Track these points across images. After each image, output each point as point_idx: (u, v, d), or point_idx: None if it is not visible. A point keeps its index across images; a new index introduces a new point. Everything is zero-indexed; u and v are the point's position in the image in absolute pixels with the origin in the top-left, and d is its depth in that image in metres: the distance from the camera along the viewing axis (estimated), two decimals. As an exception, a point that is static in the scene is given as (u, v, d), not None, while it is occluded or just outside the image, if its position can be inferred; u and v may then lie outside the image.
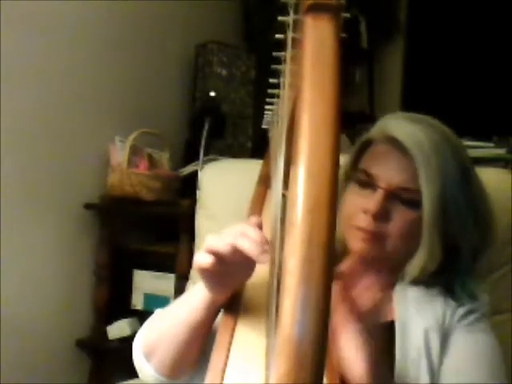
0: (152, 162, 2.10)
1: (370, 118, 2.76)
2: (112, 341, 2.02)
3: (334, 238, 0.33)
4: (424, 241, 0.88)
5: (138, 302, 2.07)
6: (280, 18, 0.52)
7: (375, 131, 0.96)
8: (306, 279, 0.31)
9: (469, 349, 0.89)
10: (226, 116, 2.16)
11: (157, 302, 1.98)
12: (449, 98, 2.74)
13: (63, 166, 1.99)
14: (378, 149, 0.94)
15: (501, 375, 0.89)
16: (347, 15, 0.39)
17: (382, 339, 0.77)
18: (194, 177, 1.91)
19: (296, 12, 0.47)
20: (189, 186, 1.94)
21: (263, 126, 1.12)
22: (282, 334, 0.31)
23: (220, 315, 0.78)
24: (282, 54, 0.59)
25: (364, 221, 0.88)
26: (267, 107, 0.91)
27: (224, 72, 2.33)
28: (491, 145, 1.92)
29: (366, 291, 0.76)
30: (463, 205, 0.89)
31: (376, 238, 0.88)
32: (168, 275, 2.00)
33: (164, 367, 0.85)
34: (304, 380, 0.31)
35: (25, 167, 1.89)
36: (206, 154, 1.96)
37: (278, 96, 0.76)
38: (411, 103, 2.86)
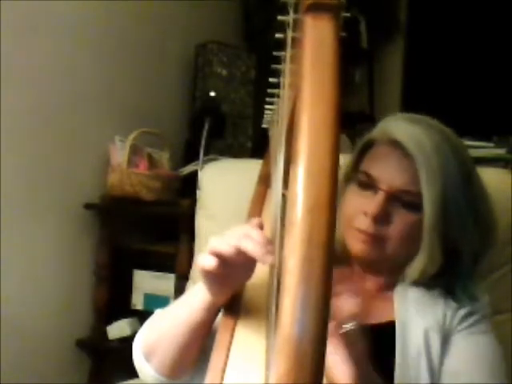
0: (152, 162, 2.09)
1: (370, 118, 2.76)
2: (112, 341, 2.02)
3: (334, 238, 0.33)
4: (424, 244, 0.88)
5: (138, 302, 2.07)
6: (280, 18, 0.52)
7: (376, 132, 0.95)
8: (305, 278, 0.31)
9: (469, 350, 0.89)
10: (226, 116, 2.16)
11: (157, 301, 1.98)
12: (449, 98, 2.74)
13: (63, 166, 1.99)
14: (379, 150, 0.93)
15: (501, 377, 0.89)
16: (347, 15, 0.39)
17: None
18: (194, 177, 1.91)
19: (296, 11, 0.47)
20: (189, 186, 1.94)
21: (263, 126, 1.12)
22: (281, 333, 0.31)
23: (220, 315, 0.78)
24: (282, 53, 0.59)
25: (364, 223, 0.88)
26: (267, 107, 0.91)
27: (224, 72, 2.33)
28: (491, 145, 1.92)
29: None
30: (464, 208, 0.89)
31: (376, 240, 0.88)
32: (168, 275, 2.00)
33: (164, 367, 0.85)
34: (304, 379, 0.31)
35: (25, 167, 1.89)
36: (206, 154, 1.95)
37: (278, 96, 0.76)
38: (411, 103, 2.86)
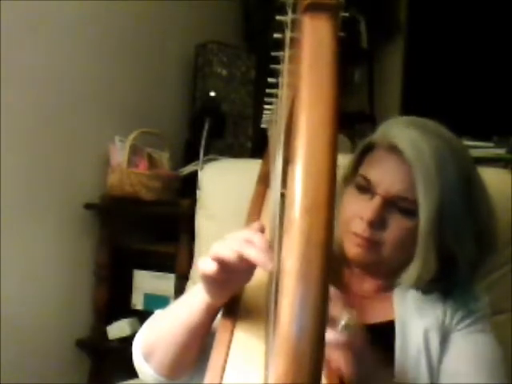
0: (152, 162, 2.10)
1: (370, 118, 2.77)
2: (112, 341, 2.02)
3: (332, 238, 0.33)
4: (419, 250, 0.88)
5: (138, 302, 2.07)
6: (278, 18, 0.52)
7: (377, 136, 0.94)
8: (303, 278, 0.31)
9: (469, 350, 0.89)
10: (226, 116, 2.16)
11: (157, 302, 1.99)
12: (449, 98, 2.73)
13: (63, 165, 1.99)
14: (378, 154, 0.93)
15: (500, 376, 0.89)
16: (345, 14, 0.39)
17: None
18: (194, 177, 1.91)
19: (294, 11, 0.47)
20: (189, 186, 1.94)
21: (262, 126, 1.12)
22: (280, 332, 0.31)
23: (219, 316, 0.78)
24: (281, 53, 0.59)
25: (360, 227, 0.88)
26: (266, 107, 0.91)
27: (224, 72, 2.33)
28: (491, 145, 1.92)
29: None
30: (461, 216, 0.88)
31: (371, 244, 0.88)
32: (168, 275, 2.00)
33: (163, 368, 0.85)
34: (302, 379, 0.31)
35: (25, 167, 1.89)
36: (205, 154, 1.96)
37: (276, 96, 0.76)
38: (411, 103, 2.86)
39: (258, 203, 1.04)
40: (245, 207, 1.04)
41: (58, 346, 2.01)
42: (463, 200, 0.88)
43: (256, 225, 0.74)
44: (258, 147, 2.21)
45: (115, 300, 2.08)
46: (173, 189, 2.06)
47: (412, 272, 0.89)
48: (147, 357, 0.86)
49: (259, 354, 0.67)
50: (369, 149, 0.96)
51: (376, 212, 0.87)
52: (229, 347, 0.69)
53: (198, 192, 1.52)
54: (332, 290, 0.73)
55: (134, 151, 2.04)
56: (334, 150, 0.33)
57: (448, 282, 0.91)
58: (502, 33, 2.71)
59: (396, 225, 0.88)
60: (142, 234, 2.21)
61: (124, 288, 2.07)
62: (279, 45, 0.58)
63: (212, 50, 2.32)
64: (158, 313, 0.93)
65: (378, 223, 0.87)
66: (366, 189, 0.91)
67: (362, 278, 0.96)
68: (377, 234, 0.88)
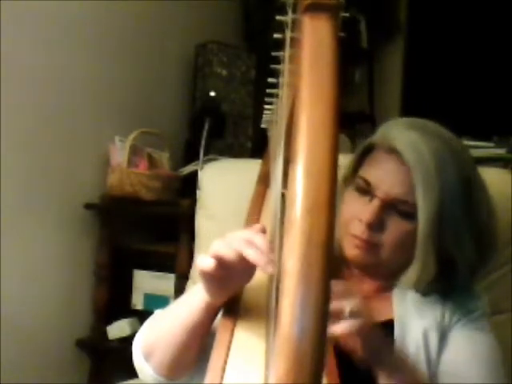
0: (152, 162, 2.09)
1: (370, 118, 2.76)
2: (112, 341, 2.02)
3: (333, 238, 0.33)
4: (418, 253, 0.88)
5: (138, 302, 2.07)
6: (278, 18, 0.52)
7: (377, 138, 0.94)
8: (304, 278, 0.31)
9: (468, 349, 0.89)
10: (226, 116, 2.16)
11: (157, 301, 1.98)
12: (449, 98, 2.74)
13: (63, 165, 1.99)
14: (378, 156, 0.92)
15: (499, 375, 0.89)
16: (346, 14, 0.39)
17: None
18: (194, 177, 1.91)
19: (294, 11, 0.47)
20: (189, 186, 1.94)
21: (262, 126, 1.12)
22: (281, 333, 0.31)
23: (219, 316, 0.78)
24: (281, 53, 0.59)
25: (359, 229, 0.88)
26: (266, 107, 0.91)
27: (224, 72, 2.33)
28: (491, 145, 1.92)
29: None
30: (461, 219, 0.88)
31: (369, 246, 0.88)
32: (168, 275, 2.00)
33: (163, 367, 0.85)
34: (303, 379, 0.31)
35: (25, 167, 1.89)
36: (205, 154, 1.96)
37: (277, 95, 0.76)
38: (411, 103, 2.86)
39: (257, 203, 1.04)
40: (245, 207, 1.04)
41: (57, 345, 2.01)
42: (463, 202, 0.88)
43: (258, 226, 0.74)
44: (258, 147, 2.21)
45: (115, 300, 2.08)
46: (173, 189, 2.06)
47: (411, 274, 0.90)
48: (147, 357, 0.86)
49: (259, 353, 0.67)
50: (369, 150, 0.95)
51: (375, 214, 0.87)
52: (229, 347, 0.69)
53: (197, 192, 1.52)
54: (337, 282, 0.74)
55: (134, 151, 2.04)
56: (334, 150, 0.33)
57: (447, 284, 0.91)
58: (501, 33, 2.71)
59: (395, 227, 0.88)
60: (142, 234, 2.21)
61: (124, 288, 2.07)
62: (279, 45, 0.58)
63: (212, 50, 2.32)
64: (157, 313, 0.93)
65: (376, 225, 0.88)
66: (365, 191, 0.90)
67: (362, 279, 0.96)
68: (375, 236, 0.88)
